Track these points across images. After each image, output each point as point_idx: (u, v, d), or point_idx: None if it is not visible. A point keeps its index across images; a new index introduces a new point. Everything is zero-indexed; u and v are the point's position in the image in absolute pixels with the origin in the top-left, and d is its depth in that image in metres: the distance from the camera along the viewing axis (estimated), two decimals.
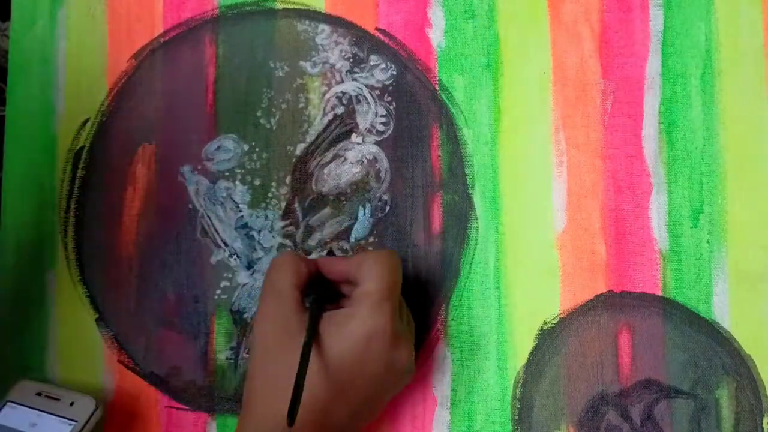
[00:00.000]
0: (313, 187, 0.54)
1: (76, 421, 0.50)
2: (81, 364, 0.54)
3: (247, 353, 0.53)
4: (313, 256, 0.53)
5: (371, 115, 0.54)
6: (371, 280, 0.46)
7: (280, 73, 0.55)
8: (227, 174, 0.55)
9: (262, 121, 0.55)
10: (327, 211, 0.54)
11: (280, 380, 0.44)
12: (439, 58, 0.54)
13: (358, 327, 0.45)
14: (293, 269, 0.47)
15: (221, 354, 0.54)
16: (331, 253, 0.53)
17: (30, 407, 0.51)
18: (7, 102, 0.56)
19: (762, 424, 0.50)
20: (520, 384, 0.51)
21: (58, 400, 0.51)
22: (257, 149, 0.55)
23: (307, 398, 0.43)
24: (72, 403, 0.51)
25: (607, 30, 0.53)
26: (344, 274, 0.48)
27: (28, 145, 0.55)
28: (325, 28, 0.55)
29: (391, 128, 0.54)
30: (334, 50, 0.55)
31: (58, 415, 0.50)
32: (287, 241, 0.54)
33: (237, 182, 0.55)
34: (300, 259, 0.48)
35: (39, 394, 0.51)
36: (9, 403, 0.51)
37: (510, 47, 0.53)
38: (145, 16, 0.56)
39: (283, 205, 0.54)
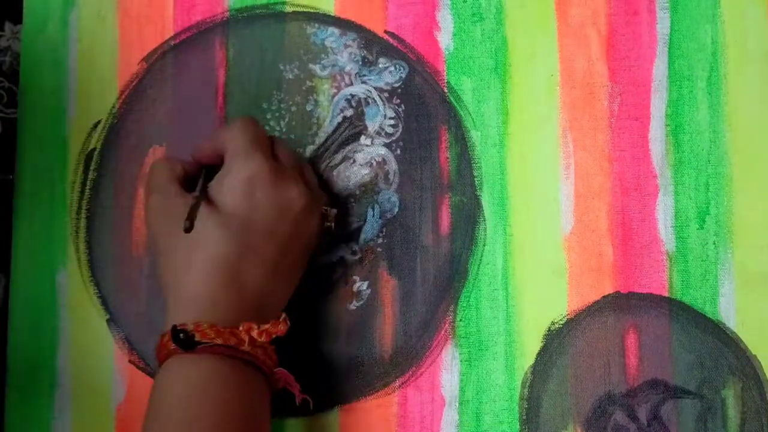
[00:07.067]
0: (323, 188, 0.54)
1: None
2: (92, 364, 0.54)
3: None
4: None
5: (380, 118, 0.54)
6: (234, 137, 0.48)
7: (290, 76, 0.55)
8: None
9: (271, 123, 0.55)
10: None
11: (184, 260, 0.46)
12: (448, 61, 0.54)
13: (236, 175, 0.47)
14: (167, 167, 0.50)
15: None
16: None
17: None
18: (20, 104, 0.56)
19: None
20: (527, 384, 0.51)
21: None
22: None
23: (214, 256, 0.46)
24: None
25: (614, 33, 0.53)
26: (212, 150, 0.50)
27: (41, 147, 0.56)
28: (334, 30, 0.55)
29: (400, 130, 0.54)
30: (343, 53, 0.55)
31: None
32: None
33: None
34: (171, 158, 0.52)
35: None
36: None
37: (518, 50, 0.54)
38: (156, 18, 0.56)
39: None
